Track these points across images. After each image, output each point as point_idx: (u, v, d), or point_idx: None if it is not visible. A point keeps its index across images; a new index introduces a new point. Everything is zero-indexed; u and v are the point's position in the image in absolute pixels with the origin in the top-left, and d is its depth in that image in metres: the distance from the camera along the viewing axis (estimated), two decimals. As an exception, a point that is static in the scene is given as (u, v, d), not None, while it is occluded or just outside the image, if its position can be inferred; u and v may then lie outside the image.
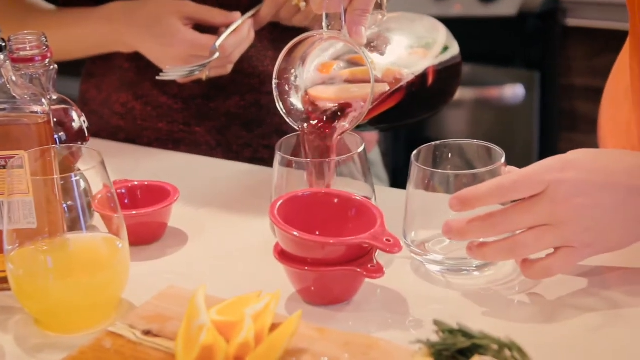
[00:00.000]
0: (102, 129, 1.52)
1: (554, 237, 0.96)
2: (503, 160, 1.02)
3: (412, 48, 1.15)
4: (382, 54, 1.11)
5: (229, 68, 1.38)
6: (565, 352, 0.89)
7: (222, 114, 1.48)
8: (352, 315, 0.98)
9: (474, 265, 1.02)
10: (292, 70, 1.10)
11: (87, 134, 1.13)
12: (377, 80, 1.07)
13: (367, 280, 1.02)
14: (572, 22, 2.32)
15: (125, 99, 1.49)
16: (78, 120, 1.12)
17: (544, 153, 2.45)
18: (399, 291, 1.02)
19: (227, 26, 1.36)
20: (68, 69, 1.49)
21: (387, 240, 0.96)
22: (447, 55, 1.17)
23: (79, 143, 1.12)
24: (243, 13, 1.38)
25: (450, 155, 1.06)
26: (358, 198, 1.02)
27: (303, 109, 1.10)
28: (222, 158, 1.46)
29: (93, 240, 1.00)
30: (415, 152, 1.04)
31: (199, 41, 1.34)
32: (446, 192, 1.00)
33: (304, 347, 0.87)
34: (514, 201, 0.97)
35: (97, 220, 1.07)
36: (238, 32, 1.35)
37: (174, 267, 1.09)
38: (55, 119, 1.10)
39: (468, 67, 2.43)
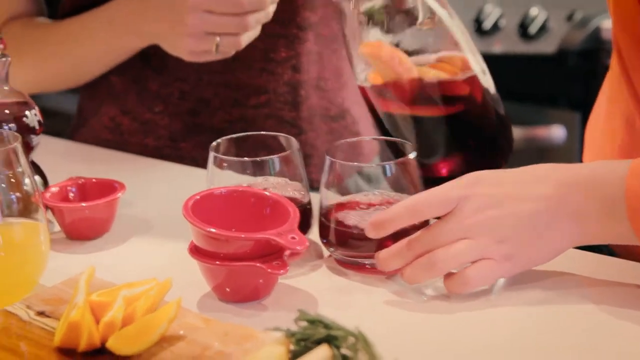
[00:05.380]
0: (92, 141, 1.53)
1: (470, 249, 0.95)
2: (412, 156, 1.03)
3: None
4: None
5: (242, 41, 1.31)
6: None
7: (208, 129, 1.48)
8: (260, 314, 0.97)
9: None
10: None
11: (37, 128, 1.15)
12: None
13: (287, 282, 1.02)
14: (615, 62, 2.27)
15: (113, 113, 1.50)
16: (30, 114, 1.15)
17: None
18: (316, 295, 1.00)
19: None
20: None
21: (292, 237, 0.95)
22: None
23: (30, 136, 1.14)
24: None
25: None
26: (274, 196, 1.02)
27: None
28: None
29: (15, 227, 1.01)
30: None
31: None
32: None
33: (182, 335, 0.87)
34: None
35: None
36: None
37: (109, 261, 1.10)
38: (6, 111, 1.14)
39: (510, 104, 2.40)
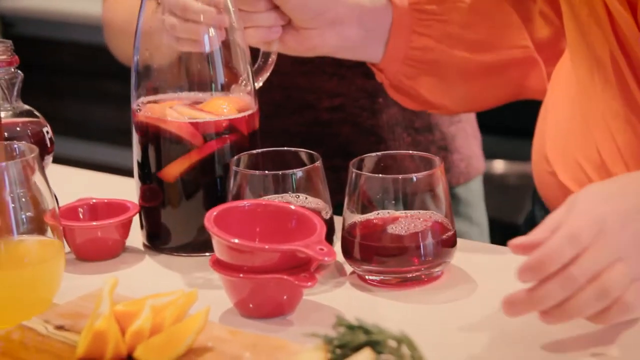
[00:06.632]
0: None
1: (630, 272, 0.86)
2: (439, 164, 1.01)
3: None
4: None
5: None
6: None
7: (280, 133, 1.42)
8: (286, 328, 0.94)
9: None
10: None
11: (49, 146, 1.12)
12: None
13: (311, 299, 0.99)
14: None
15: None
16: (42, 132, 1.12)
17: None
18: (343, 310, 0.97)
19: None
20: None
21: (320, 249, 0.92)
22: None
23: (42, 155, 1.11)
24: None
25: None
26: (299, 209, 0.99)
27: None
28: None
29: (29, 244, 0.97)
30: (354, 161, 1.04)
31: None
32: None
33: (210, 346, 0.84)
34: None
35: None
36: None
37: (124, 280, 1.05)
38: (17, 128, 1.10)
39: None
